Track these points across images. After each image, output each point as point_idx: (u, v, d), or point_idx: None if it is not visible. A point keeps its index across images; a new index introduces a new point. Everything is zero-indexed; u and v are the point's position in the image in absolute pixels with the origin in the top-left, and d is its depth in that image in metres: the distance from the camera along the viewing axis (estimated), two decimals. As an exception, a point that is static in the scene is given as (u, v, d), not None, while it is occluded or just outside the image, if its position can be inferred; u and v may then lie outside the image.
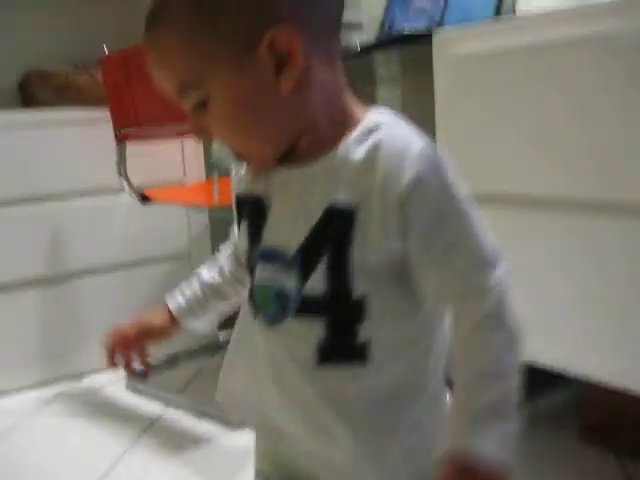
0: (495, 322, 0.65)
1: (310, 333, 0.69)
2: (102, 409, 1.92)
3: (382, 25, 2.30)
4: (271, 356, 0.73)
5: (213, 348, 2.31)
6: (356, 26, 2.33)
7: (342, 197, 0.67)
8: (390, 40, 1.85)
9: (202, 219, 2.31)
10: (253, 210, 0.74)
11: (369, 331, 0.68)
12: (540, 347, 1.32)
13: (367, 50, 1.89)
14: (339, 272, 0.67)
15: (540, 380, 1.62)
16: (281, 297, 0.71)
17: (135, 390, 2.02)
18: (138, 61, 1.80)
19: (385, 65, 2.31)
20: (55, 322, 2.14)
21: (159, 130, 1.84)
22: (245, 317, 0.78)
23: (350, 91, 0.74)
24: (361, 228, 0.66)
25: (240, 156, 0.73)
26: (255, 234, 0.74)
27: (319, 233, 0.68)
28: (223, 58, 0.65)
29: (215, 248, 2.33)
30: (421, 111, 1.93)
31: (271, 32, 0.64)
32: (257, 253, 0.73)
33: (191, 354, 2.25)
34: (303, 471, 0.76)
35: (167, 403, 1.90)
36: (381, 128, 0.68)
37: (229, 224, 1.65)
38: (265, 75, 0.65)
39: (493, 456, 0.61)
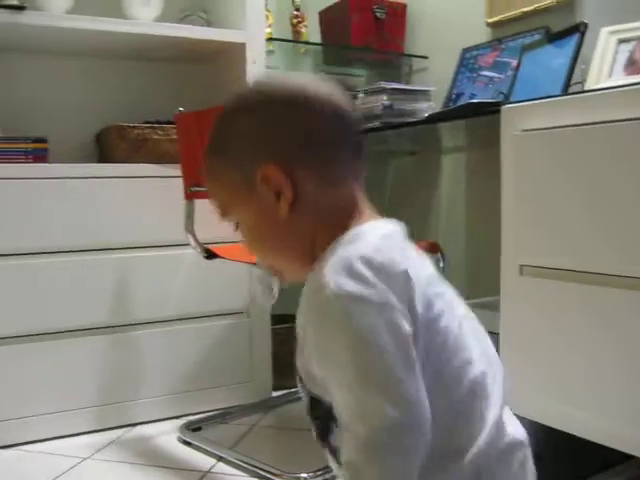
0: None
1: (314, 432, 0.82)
2: (154, 459, 1.93)
3: (449, 94, 2.34)
4: None
5: (266, 406, 2.32)
6: (424, 94, 2.37)
7: (298, 316, 0.80)
8: (457, 110, 1.87)
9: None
10: None
11: (337, 441, 0.76)
12: (592, 422, 1.29)
13: (434, 119, 1.93)
14: (300, 378, 0.81)
15: (602, 459, 1.59)
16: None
17: (187, 442, 2.03)
18: (211, 122, 1.87)
19: (451, 134, 2.34)
20: (114, 370, 2.18)
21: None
22: None
23: (361, 201, 0.84)
24: (300, 346, 0.79)
25: (272, 271, 0.88)
26: None
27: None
28: (236, 191, 0.83)
29: (274, 307, 2.37)
30: (487, 181, 1.95)
31: (259, 171, 0.80)
32: None
33: (245, 410, 2.26)
34: None
35: (218, 457, 1.90)
36: (328, 256, 0.76)
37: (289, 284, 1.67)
38: (268, 203, 0.81)
39: None
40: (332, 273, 0.72)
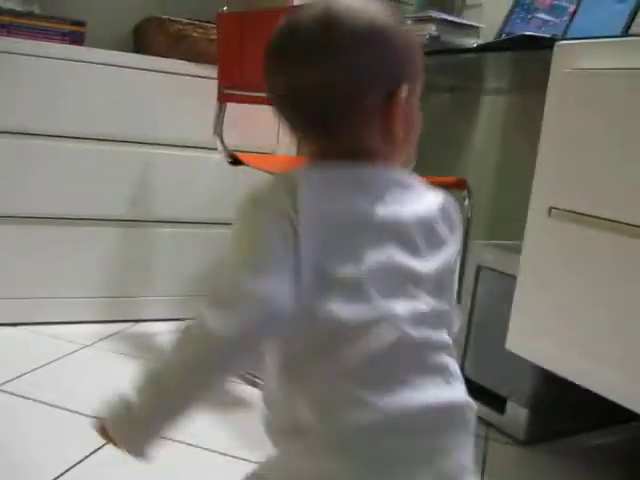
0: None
1: None
2: (153, 354, 1.95)
3: (500, 32, 2.26)
4: None
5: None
6: (474, 30, 2.30)
7: None
8: (508, 41, 1.80)
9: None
10: None
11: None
12: (605, 376, 1.27)
13: (481, 48, 1.86)
14: None
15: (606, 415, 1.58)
16: None
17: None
18: (253, 25, 1.82)
19: (495, 73, 2.28)
20: (125, 264, 2.18)
21: (261, 96, 1.85)
22: None
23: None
24: None
25: None
26: None
27: None
28: None
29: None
30: (525, 126, 1.89)
31: None
32: None
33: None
34: None
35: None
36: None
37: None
38: None
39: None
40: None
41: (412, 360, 0.71)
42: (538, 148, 1.44)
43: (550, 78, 1.44)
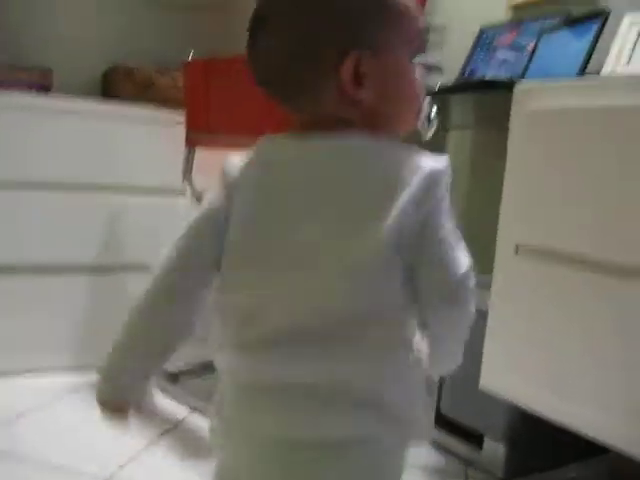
0: None
1: None
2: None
3: (462, 72, 2.30)
4: None
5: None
6: (436, 69, 2.33)
7: None
8: (470, 84, 1.84)
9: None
10: None
11: None
12: (577, 411, 1.29)
13: (445, 91, 1.89)
14: None
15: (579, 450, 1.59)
16: None
17: (163, 391, 2.02)
18: (219, 71, 1.85)
19: (458, 112, 2.31)
20: (96, 311, 2.16)
21: (228, 139, 1.87)
22: None
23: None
24: None
25: None
26: None
27: None
28: None
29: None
30: (490, 161, 1.93)
31: None
32: None
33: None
34: None
35: (193, 408, 1.90)
36: None
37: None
38: None
39: None
40: None
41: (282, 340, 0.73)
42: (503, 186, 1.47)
43: (511, 118, 1.47)
